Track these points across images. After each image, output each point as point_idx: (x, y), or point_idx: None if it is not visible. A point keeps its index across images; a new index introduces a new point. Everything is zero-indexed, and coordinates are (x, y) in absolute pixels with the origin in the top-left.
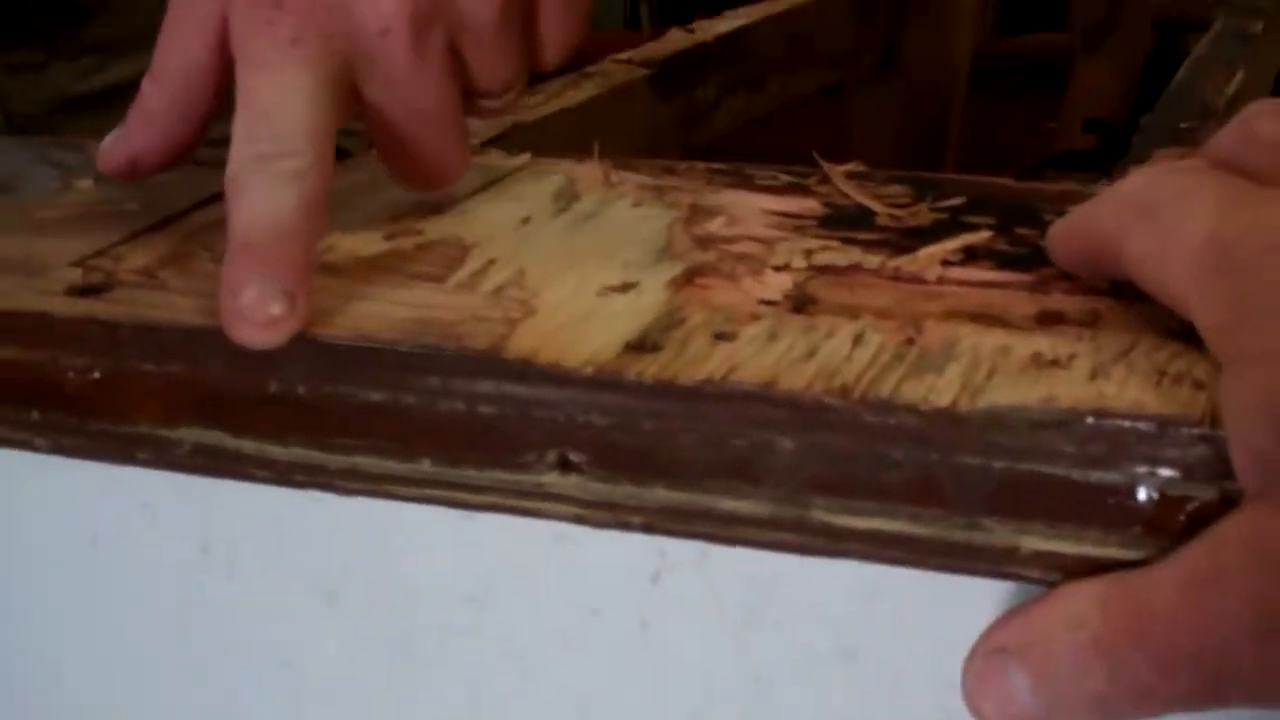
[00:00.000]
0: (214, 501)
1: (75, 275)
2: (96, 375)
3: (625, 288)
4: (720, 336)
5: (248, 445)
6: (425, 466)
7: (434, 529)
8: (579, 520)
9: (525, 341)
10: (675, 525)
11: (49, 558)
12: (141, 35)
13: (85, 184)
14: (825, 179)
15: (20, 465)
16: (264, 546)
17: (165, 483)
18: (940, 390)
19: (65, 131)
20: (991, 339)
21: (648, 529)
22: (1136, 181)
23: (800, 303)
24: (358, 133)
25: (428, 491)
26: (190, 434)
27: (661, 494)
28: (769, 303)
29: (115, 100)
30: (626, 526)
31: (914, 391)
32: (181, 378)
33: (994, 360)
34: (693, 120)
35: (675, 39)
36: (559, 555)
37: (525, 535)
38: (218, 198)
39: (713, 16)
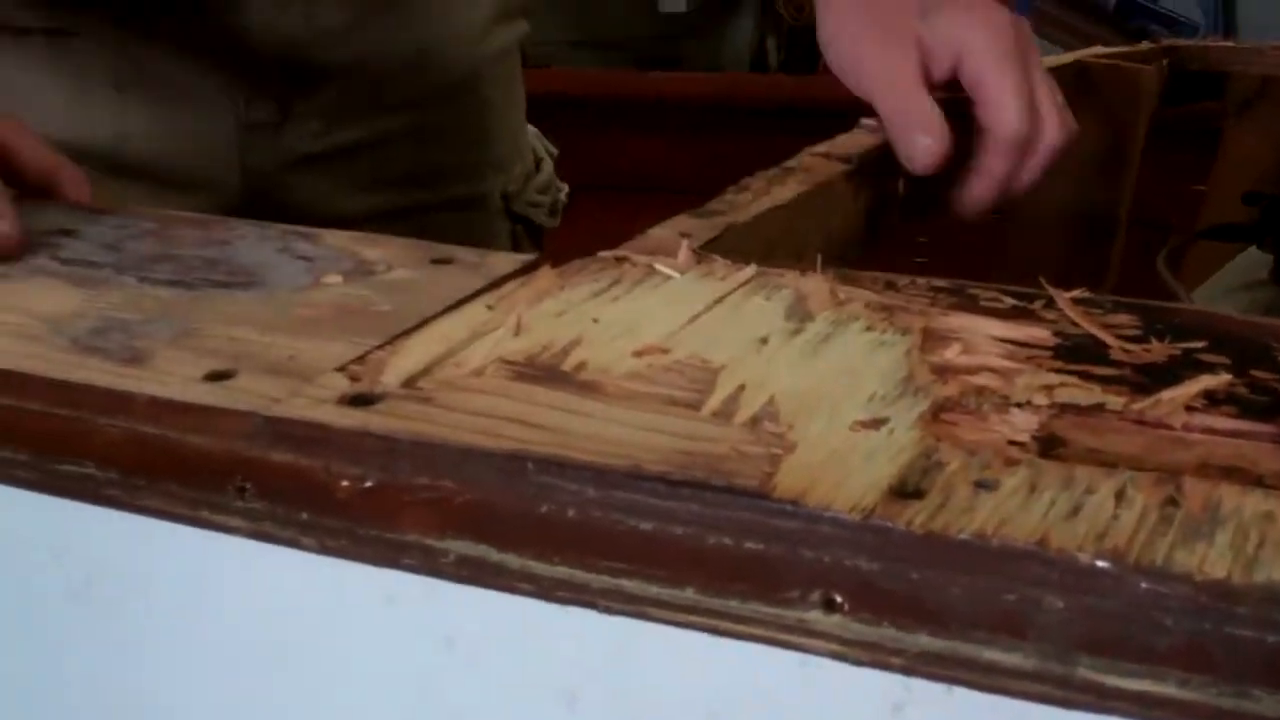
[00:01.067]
0: (461, 600)
1: (343, 383)
2: (369, 485)
3: (876, 424)
4: (981, 485)
5: (513, 560)
6: (688, 594)
7: (684, 645)
8: (836, 656)
9: (791, 480)
10: (933, 669)
11: (289, 643)
12: (367, 101)
13: (334, 279)
14: (1050, 303)
15: (283, 559)
16: (509, 647)
17: (413, 579)
18: (1213, 561)
19: (296, 188)
20: (1253, 502)
21: (905, 671)
22: None
23: (1049, 445)
24: None
25: (688, 617)
26: (457, 545)
27: (923, 640)
28: (1017, 443)
29: (340, 160)
30: (884, 667)
31: (1186, 560)
32: (454, 493)
33: (1261, 528)
34: (880, 210)
35: (865, 132)
36: (804, 680)
37: (774, 660)
38: (464, 301)
39: None
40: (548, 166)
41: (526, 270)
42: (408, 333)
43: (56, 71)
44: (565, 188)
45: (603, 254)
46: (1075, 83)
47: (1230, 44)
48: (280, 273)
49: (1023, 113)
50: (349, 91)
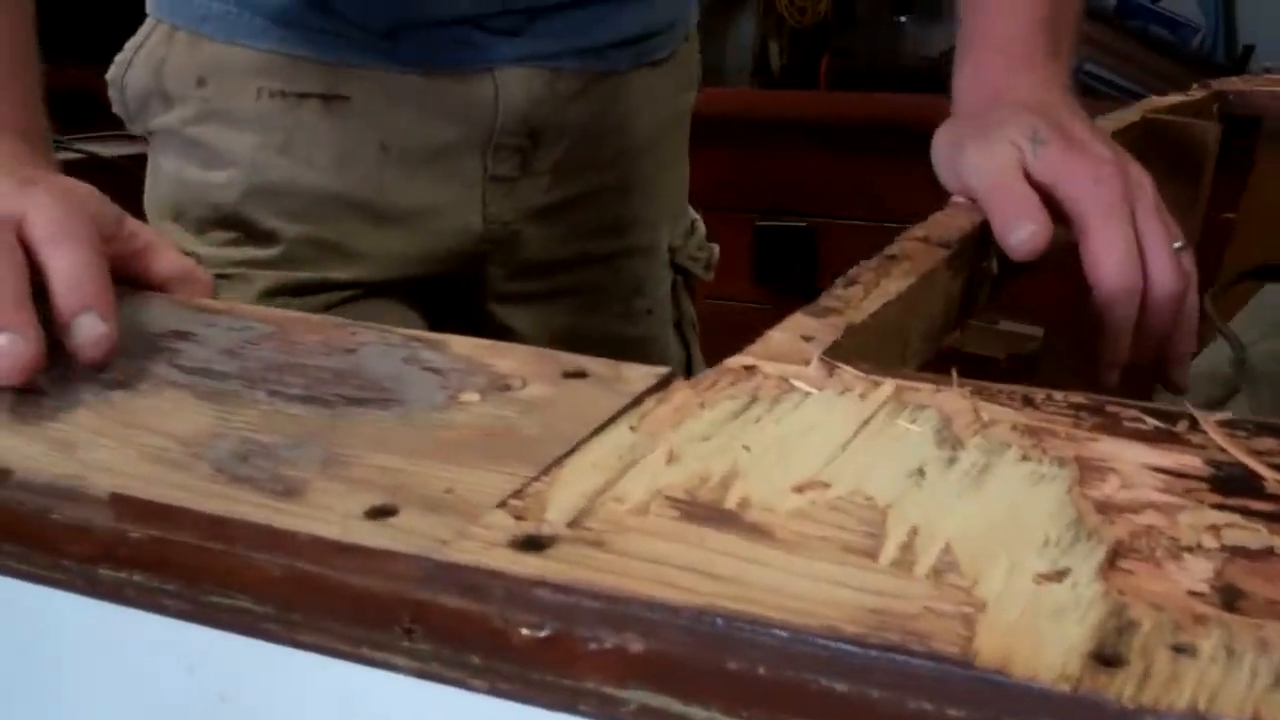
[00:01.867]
0: None
1: (509, 522)
2: (546, 633)
3: (1059, 576)
4: (1179, 650)
5: (699, 713)
6: None
7: None
8: None
9: (990, 645)
10: None
11: None
12: (586, 159)
13: (471, 397)
14: (1194, 424)
15: (450, 699)
16: None
17: None
18: None
19: (526, 236)
20: None
21: None
22: None
23: (1230, 597)
24: None
25: None
26: (638, 695)
27: None
28: (1197, 594)
29: (564, 211)
30: None
31: None
32: (637, 644)
33: None
34: (974, 290)
35: (960, 211)
36: None
37: None
38: (608, 424)
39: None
40: (700, 226)
41: (661, 385)
42: (560, 461)
43: (329, 131)
44: (716, 248)
45: (730, 362)
46: (1142, 139)
47: (1274, 86)
48: (415, 389)
49: (1123, 266)
50: (574, 149)
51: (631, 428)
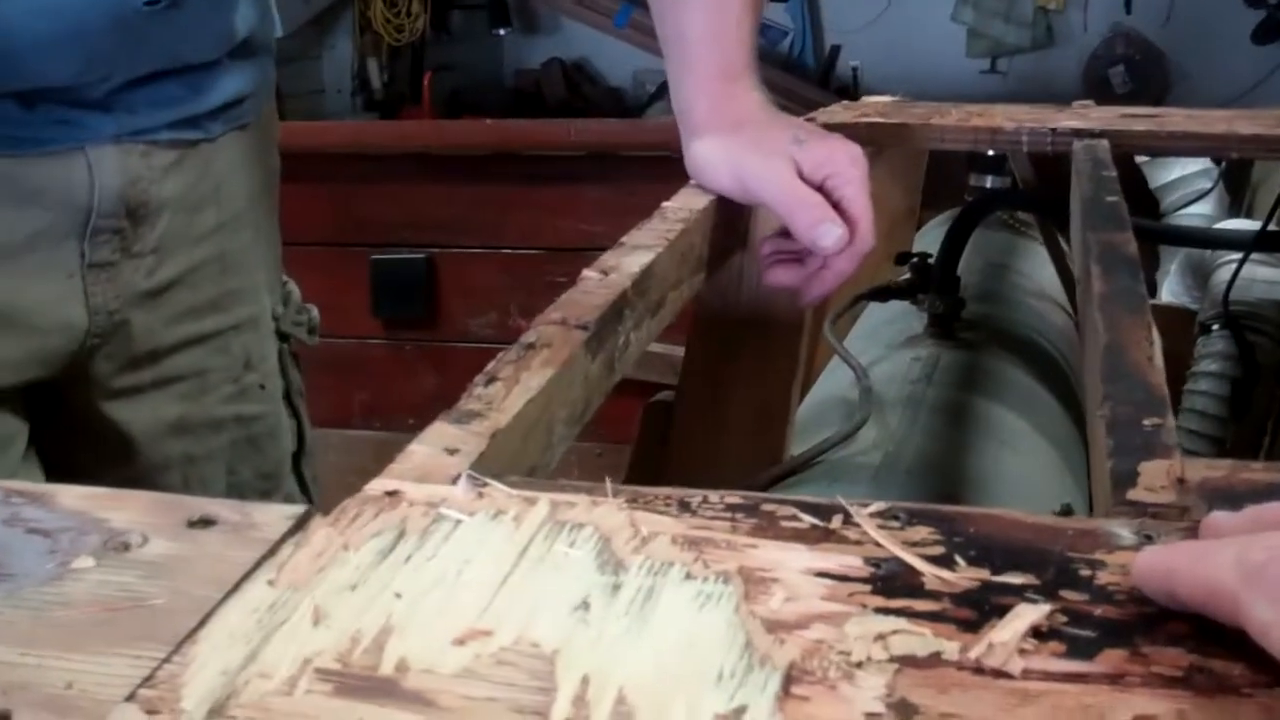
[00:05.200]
0: None
1: (138, 719)
2: None
3: (736, 715)
4: None
5: None
6: None
7: None
8: None
9: None
10: None
11: None
12: (184, 235)
13: (85, 563)
14: (848, 518)
15: None
16: None
17: None
18: None
19: (133, 324)
20: None
21: None
22: (1261, 548)
23: (905, 714)
24: None
25: None
26: None
27: None
28: (873, 715)
29: (166, 293)
30: None
31: None
32: None
33: None
34: (611, 363)
35: (594, 287)
36: None
37: None
38: (242, 582)
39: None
40: (295, 290)
41: (298, 526)
42: (192, 634)
43: None
44: (315, 310)
45: (372, 488)
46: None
47: (873, 117)
48: (21, 559)
49: (872, 230)
50: (173, 225)
51: (270, 582)
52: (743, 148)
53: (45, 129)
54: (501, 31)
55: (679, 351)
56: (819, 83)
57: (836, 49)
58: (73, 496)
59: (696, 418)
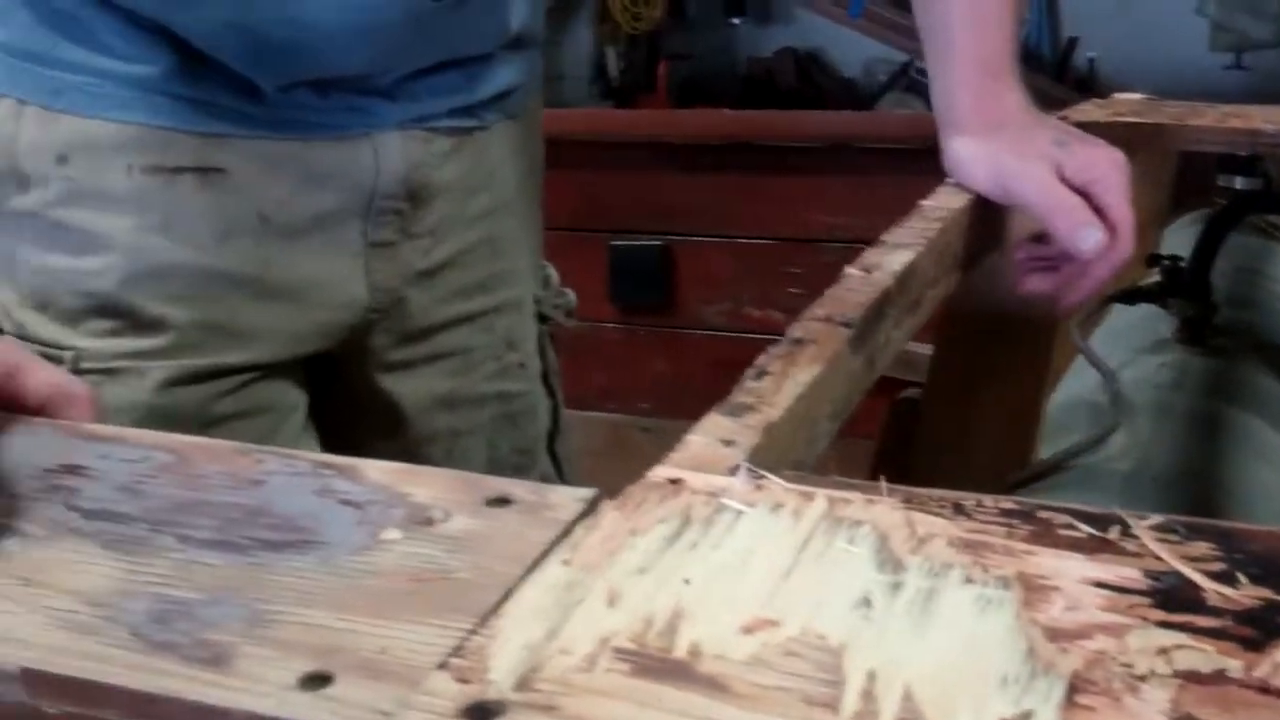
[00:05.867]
0: None
1: (452, 688)
2: None
3: (1025, 718)
4: None
5: None
6: None
7: None
8: None
9: None
10: None
11: None
12: (458, 218)
13: (392, 534)
14: (1126, 529)
15: None
16: None
17: None
18: None
19: (409, 301)
20: None
21: None
22: None
23: None
24: None
25: None
26: None
27: None
28: None
29: (440, 273)
30: None
31: None
32: None
33: None
34: (872, 360)
35: (858, 284)
36: None
37: None
38: (540, 560)
39: (873, 246)
40: (554, 274)
41: (589, 510)
42: (496, 608)
43: (208, 206)
44: (573, 293)
45: (654, 475)
46: None
47: (1129, 117)
48: (333, 528)
49: (1132, 237)
50: (449, 209)
51: (565, 562)
52: (1003, 148)
53: (336, 115)
54: (736, 21)
55: (922, 349)
56: (1055, 75)
57: (1074, 40)
58: (377, 470)
59: (945, 416)
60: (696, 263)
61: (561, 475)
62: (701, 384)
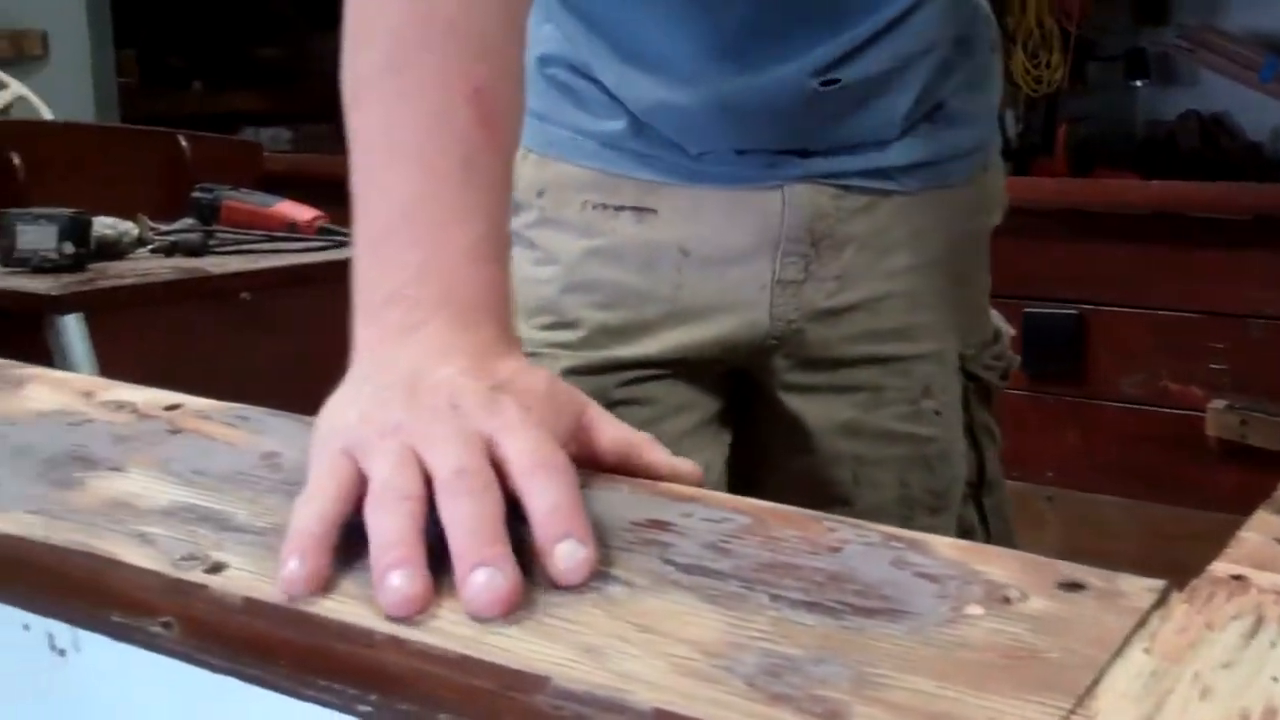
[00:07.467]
0: None
1: None
2: None
3: None
4: None
5: None
6: None
7: None
8: None
9: None
10: None
11: None
12: (873, 267)
13: (975, 610)
14: None
15: None
16: None
17: None
18: None
19: (808, 334)
20: None
21: None
22: None
23: None
24: None
25: None
26: None
27: None
28: None
29: (845, 314)
30: None
31: None
32: None
33: None
34: None
35: None
36: None
37: None
38: (1127, 642)
39: None
40: (1005, 340)
41: (1161, 600)
42: (1090, 690)
43: (638, 237)
44: (1017, 358)
45: (1216, 570)
46: None
47: None
48: (917, 598)
49: None
50: (857, 259)
51: (1145, 650)
52: None
53: (752, 169)
54: (1138, 83)
55: None
56: None
57: None
58: (946, 546)
59: None
60: (1111, 333)
61: (987, 529)
62: (1110, 457)
